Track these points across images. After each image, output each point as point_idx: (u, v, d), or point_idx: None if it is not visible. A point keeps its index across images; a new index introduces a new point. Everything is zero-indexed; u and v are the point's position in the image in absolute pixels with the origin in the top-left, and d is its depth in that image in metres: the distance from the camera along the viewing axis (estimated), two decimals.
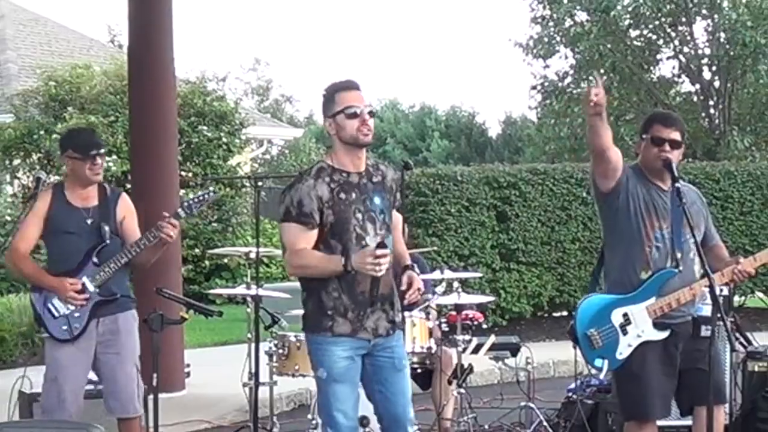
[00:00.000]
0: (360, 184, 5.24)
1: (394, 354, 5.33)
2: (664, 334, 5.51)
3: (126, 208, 6.28)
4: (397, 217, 5.56)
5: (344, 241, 5.16)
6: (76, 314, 6.03)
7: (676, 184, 5.43)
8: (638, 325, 5.51)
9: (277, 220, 5.43)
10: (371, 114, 5.23)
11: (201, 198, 6.15)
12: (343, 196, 5.18)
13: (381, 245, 5.02)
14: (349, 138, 5.18)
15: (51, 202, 6.14)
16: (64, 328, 6.04)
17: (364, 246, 5.13)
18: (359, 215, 5.19)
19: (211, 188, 6.33)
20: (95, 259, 6.07)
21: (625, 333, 5.52)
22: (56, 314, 6.05)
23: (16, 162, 18.27)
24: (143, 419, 6.22)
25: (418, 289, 5.29)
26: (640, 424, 5.60)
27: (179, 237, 10.32)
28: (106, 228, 6.11)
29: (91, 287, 6.04)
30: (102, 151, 6.22)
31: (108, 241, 6.10)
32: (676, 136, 5.60)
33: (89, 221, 6.12)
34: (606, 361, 5.55)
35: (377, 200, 5.26)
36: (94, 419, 5.82)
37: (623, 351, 5.52)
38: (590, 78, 4.86)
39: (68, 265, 6.10)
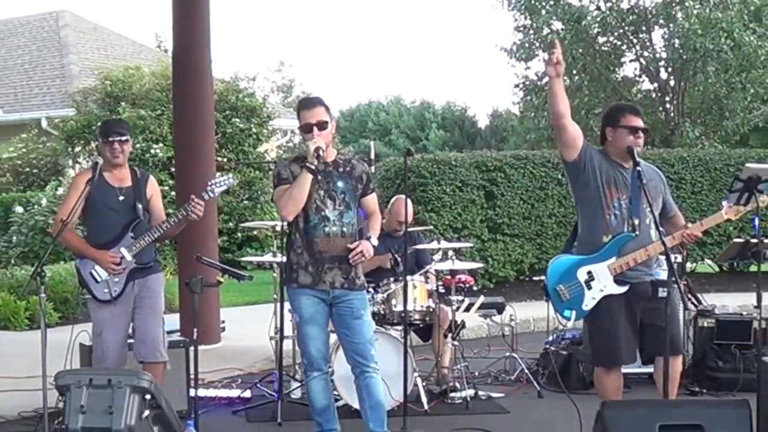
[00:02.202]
0: (325, 171, 5.57)
1: (352, 305, 5.60)
2: (624, 289, 5.46)
3: (153, 189, 6.23)
4: (371, 199, 5.80)
5: (306, 210, 5.52)
6: (116, 279, 6.00)
7: (638, 168, 5.40)
8: (601, 281, 5.47)
9: None
10: (320, 127, 5.51)
11: (222, 183, 6.03)
12: None
13: (317, 149, 5.40)
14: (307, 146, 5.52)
15: (90, 180, 5.94)
16: (105, 290, 6.01)
17: (323, 216, 5.51)
18: (321, 192, 5.55)
19: (230, 176, 6.19)
20: (131, 233, 6.02)
21: (589, 288, 5.48)
22: (98, 279, 6.01)
23: (77, 149, 18.26)
24: (167, 366, 6.13)
25: (361, 253, 5.51)
26: (607, 369, 5.59)
27: (215, 212, 10.36)
28: (140, 206, 6.06)
29: (128, 257, 6.00)
30: (122, 138, 6.03)
31: (142, 218, 6.07)
32: (642, 124, 5.59)
33: (121, 198, 6.05)
34: (573, 312, 5.53)
35: (340, 184, 5.60)
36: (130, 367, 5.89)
37: (588, 303, 5.48)
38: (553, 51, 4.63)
39: (107, 237, 6.04)
